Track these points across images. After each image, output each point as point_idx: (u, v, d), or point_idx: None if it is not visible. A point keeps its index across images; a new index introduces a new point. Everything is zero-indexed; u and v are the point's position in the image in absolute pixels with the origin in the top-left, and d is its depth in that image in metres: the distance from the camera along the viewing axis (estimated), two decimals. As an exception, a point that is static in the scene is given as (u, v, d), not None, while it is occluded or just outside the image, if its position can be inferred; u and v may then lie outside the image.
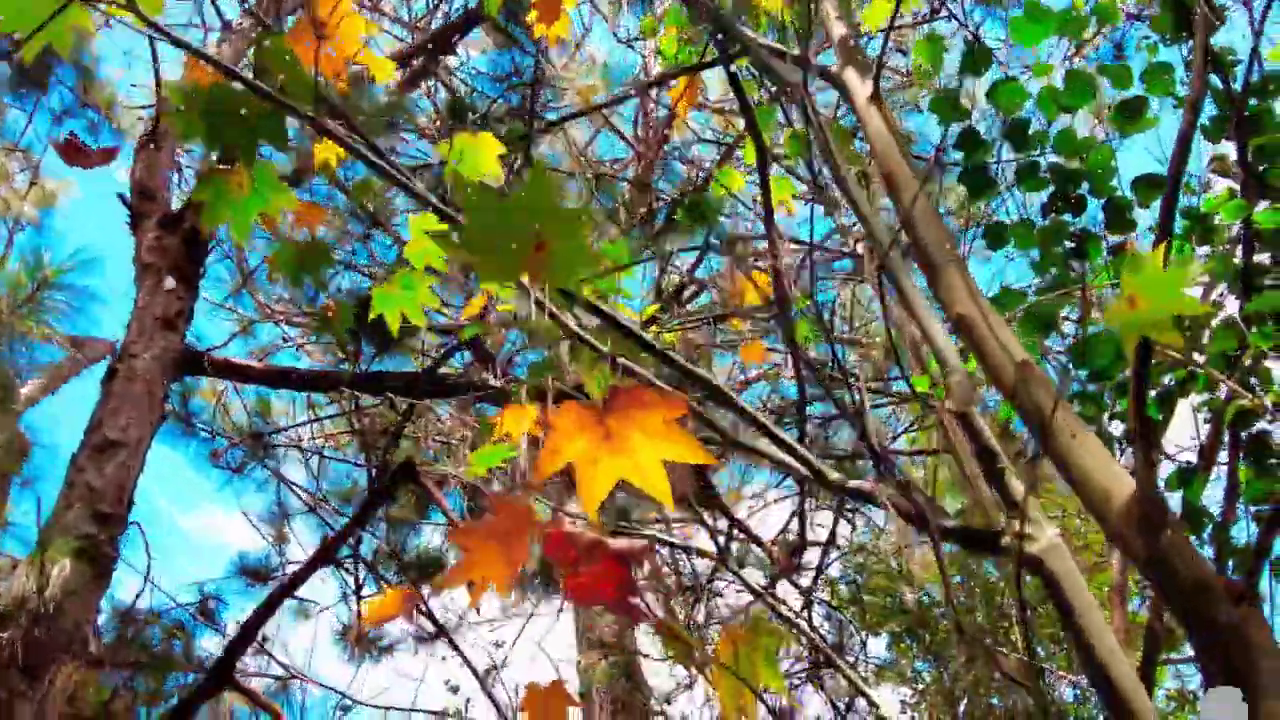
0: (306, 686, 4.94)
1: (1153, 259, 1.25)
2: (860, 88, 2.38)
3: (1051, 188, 2.99)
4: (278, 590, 4.35)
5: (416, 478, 4.24)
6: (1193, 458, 3.17)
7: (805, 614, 5.74)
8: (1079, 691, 7.99)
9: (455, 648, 5.63)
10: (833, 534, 6.21)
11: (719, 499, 6.14)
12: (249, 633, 4.22)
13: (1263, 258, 3.02)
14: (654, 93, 6.52)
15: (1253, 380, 2.85)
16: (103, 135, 7.44)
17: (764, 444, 1.90)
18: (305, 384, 5.54)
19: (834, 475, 1.86)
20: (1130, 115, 2.78)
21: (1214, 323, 2.74)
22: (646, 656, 6.26)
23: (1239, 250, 3.05)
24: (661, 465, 1.31)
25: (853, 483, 1.88)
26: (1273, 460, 2.93)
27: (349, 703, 5.57)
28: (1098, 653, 1.53)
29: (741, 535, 5.79)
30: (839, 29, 2.54)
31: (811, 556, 6.41)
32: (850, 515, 7.85)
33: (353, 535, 4.71)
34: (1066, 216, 3.04)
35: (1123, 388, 3.07)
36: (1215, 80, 3.11)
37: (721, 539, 5.44)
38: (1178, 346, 2.40)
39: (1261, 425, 2.84)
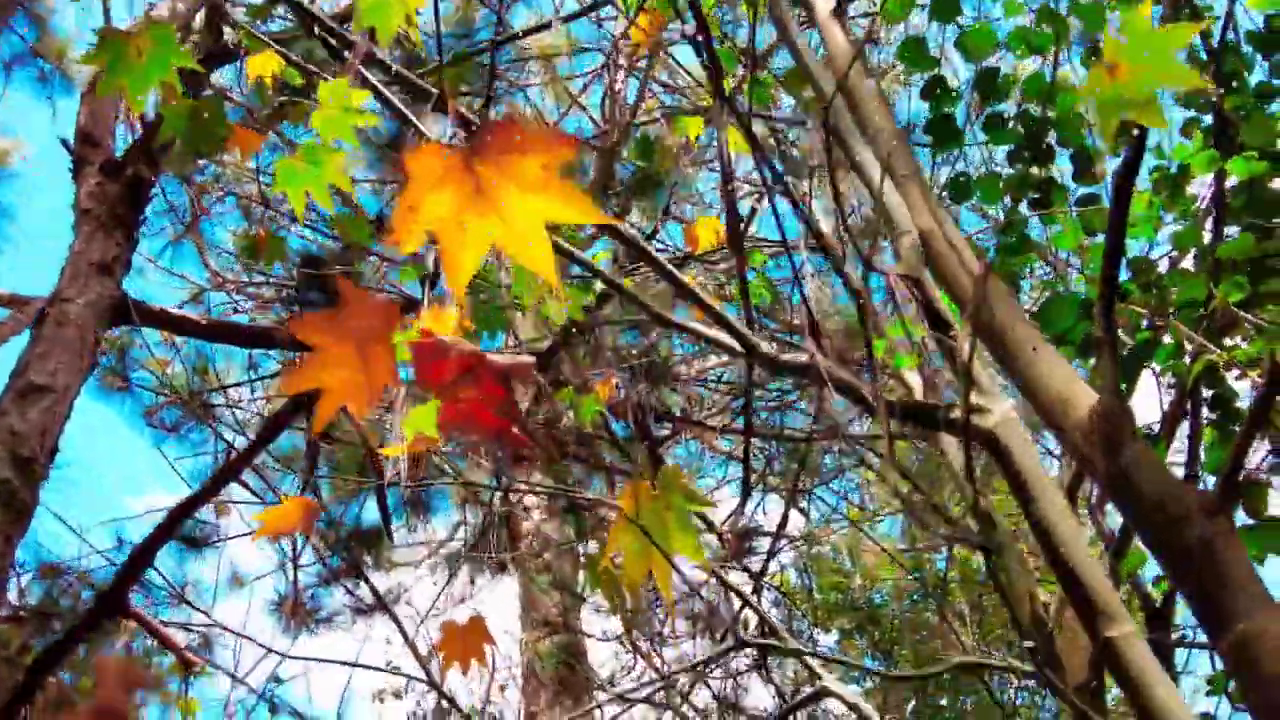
0: (240, 646, 4.74)
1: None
2: (823, 1, 2.26)
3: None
4: (171, 513, 4.14)
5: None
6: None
7: (755, 597, 5.61)
8: (1029, 693, 7.91)
9: (394, 619, 5.47)
10: (784, 520, 6.09)
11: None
12: (141, 559, 4.01)
13: (1232, 230, 2.92)
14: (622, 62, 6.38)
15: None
16: (54, 85, 7.27)
17: (694, 322, 1.75)
18: (248, 340, 5.35)
19: (766, 347, 1.72)
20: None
21: (1181, 267, 2.63)
22: (590, 636, 6.11)
23: (1208, 223, 2.96)
24: (544, 229, 1.09)
25: (787, 355, 1.73)
26: (1236, 427, 2.83)
27: (280, 675, 5.39)
28: (1056, 538, 1.39)
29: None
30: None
31: (763, 544, 6.29)
32: (804, 507, 7.74)
33: (255, 456, 4.51)
34: (1034, 170, 2.94)
35: (1084, 350, 2.96)
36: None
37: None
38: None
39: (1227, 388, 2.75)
